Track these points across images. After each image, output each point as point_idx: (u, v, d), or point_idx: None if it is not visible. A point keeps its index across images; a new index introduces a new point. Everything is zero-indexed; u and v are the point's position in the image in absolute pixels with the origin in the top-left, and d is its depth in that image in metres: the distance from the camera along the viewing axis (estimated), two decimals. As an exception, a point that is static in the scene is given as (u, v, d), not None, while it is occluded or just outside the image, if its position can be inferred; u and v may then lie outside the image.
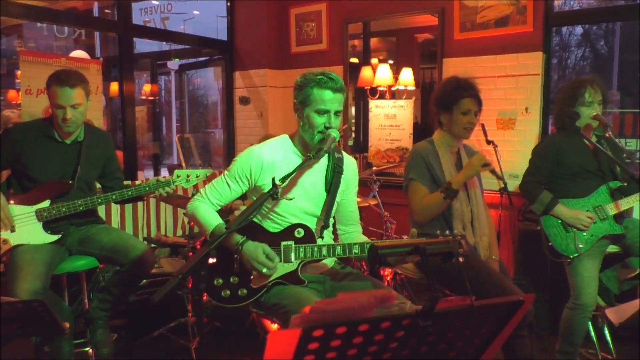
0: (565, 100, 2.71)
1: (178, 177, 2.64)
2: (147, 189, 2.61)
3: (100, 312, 2.63)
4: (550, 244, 2.63)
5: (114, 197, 2.58)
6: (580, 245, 2.56)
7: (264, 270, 1.96)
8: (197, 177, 2.67)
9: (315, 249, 2.02)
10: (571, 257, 2.57)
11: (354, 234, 2.26)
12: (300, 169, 1.94)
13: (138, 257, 2.54)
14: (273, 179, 1.82)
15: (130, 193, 2.59)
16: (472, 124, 2.50)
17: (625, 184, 2.64)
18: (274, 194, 1.79)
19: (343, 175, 2.16)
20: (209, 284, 2.03)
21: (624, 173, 2.64)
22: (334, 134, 1.98)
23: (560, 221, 2.62)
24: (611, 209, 2.61)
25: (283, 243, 2.04)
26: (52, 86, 2.49)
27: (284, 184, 1.84)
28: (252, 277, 2.04)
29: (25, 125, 2.74)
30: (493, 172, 2.44)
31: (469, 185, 2.55)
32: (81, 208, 2.54)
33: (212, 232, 2.02)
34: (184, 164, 3.44)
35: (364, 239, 2.21)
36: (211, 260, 2.05)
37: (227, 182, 2.10)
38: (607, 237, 2.61)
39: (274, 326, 2.21)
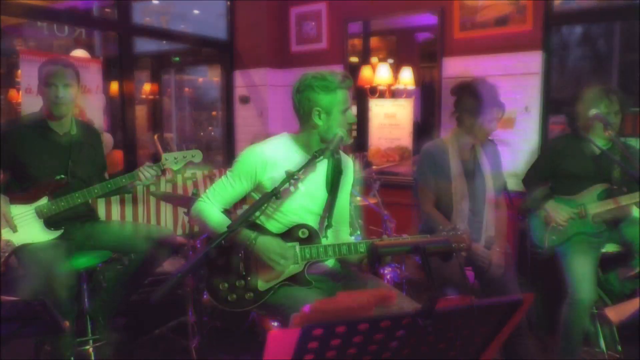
0: (582, 106, 2.71)
1: (166, 160, 2.65)
2: (137, 174, 2.61)
3: (102, 311, 2.63)
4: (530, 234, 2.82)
5: (109, 185, 2.58)
6: (553, 237, 2.71)
7: (282, 261, 1.92)
8: (184, 157, 2.68)
9: (321, 249, 2.00)
10: (544, 247, 2.72)
11: (341, 233, 2.23)
12: (311, 164, 1.93)
13: (155, 244, 2.59)
14: (287, 172, 1.83)
15: (124, 180, 2.59)
16: (493, 131, 2.61)
17: (615, 187, 2.68)
18: (277, 193, 1.79)
19: (342, 175, 2.16)
20: (214, 288, 2.00)
21: (624, 176, 2.64)
22: (341, 132, 1.98)
23: (543, 215, 2.75)
24: (592, 209, 2.67)
25: (287, 244, 2.00)
26: (45, 67, 2.53)
27: (300, 175, 1.85)
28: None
29: (19, 123, 2.74)
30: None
31: (472, 185, 2.58)
32: (79, 200, 2.53)
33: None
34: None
35: (351, 240, 2.19)
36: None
37: (230, 182, 2.07)
38: (586, 233, 2.67)
39: (274, 324, 2.20)
